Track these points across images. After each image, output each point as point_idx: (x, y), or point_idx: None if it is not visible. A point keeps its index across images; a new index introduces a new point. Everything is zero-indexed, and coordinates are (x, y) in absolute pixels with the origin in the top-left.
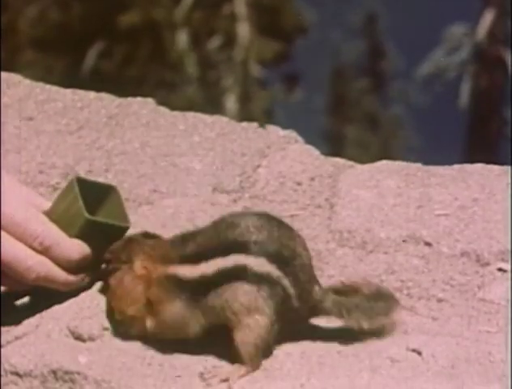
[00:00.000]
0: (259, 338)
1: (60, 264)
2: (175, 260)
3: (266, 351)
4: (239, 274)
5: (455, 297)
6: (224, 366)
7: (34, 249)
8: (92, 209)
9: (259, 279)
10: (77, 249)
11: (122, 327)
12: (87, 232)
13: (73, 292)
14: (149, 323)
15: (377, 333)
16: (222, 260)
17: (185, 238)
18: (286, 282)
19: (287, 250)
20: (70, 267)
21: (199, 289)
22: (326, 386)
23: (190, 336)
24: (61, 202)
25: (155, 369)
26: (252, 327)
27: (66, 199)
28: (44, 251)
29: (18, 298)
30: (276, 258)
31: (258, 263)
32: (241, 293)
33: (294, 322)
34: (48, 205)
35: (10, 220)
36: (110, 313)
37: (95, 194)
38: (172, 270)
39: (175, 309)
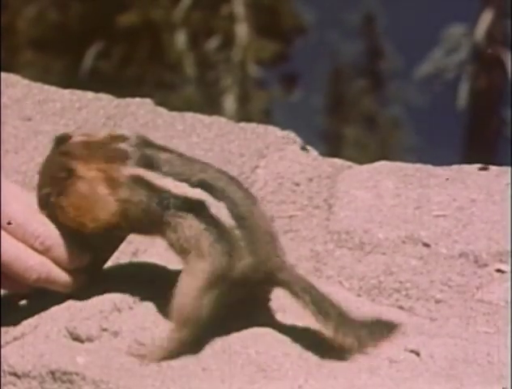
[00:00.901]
0: (196, 294)
1: (60, 265)
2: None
3: (197, 323)
4: (196, 208)
5: (453, 298)
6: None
7: (35, 249)
8: None
9: (212, 221)
10: (77, 249)
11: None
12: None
13: (72, 294)
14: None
15: (344, 350)
16: (188, 188)
17: (158, 148)
18: (238, 233)
19: (245, 208)
20: (71, 268)
21: (163, 202)
22: (324, 387)
23: (155, 234)
24: None
25: (153, 370)
26: (193, 276)
27: None
28: (45, 251)
29: (17, 300)
30: (234, 210)
31: (216, 205)
32: (187, 227)
33: (248, 286)
34: None
35: (12, 221)
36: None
37: None
38: (138, 172)
39: (142, 205)
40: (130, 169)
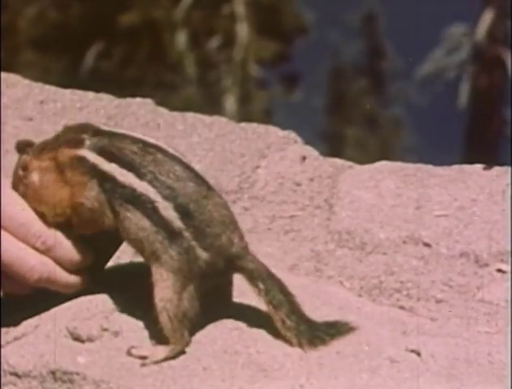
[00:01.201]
0: (168, 302)
1: (62, 265)
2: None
3: (185, 320)
4: (143, 204)
5: (454, 298)
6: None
7: (36, 249)
8: None
9: (162, 223)
10: (79, 250)
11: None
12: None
13: (73, 294)
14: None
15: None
16: (135, 179)
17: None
18: (187, 234)
19: (195, 205)
20: (73, 268)
21: (108, 184)
22: (325, 387)
23: (106, 227)
24: None
25: (153, 370)
26: (162, 285)
27: None
28: (47, 251)
29: (17, 300)
30: (182, 210)
31: (164, 206)
32: (139, 228)
33: (212, 276)
34: None
35: (13, 221)
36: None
37: None
38: (83, 153)
39: (91, 191)
40: (76, 151)
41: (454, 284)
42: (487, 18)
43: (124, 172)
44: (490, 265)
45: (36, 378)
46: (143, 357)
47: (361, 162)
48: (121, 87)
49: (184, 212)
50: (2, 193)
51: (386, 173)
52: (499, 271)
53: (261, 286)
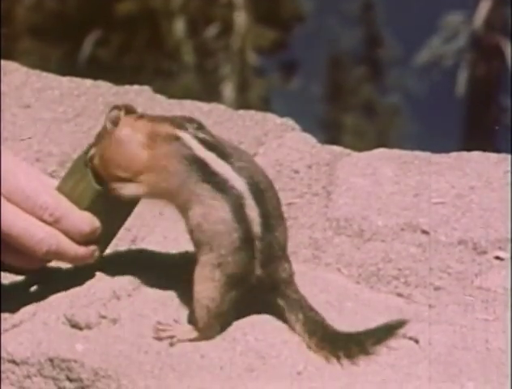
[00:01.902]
0: (210, 300)
1: (70, 236)
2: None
3: (220, 318)
4: (233, 197)
5: (452, 285)
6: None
7: (44, 221)
8: (100, 184)
9: (244, 221)
10: (87, 221)
11: (121, 187)
12: (97, 205)
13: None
14: (147, 180)
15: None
16: (231, 172)
17: (200, 126)
18: (258, 244)
19: (274, 219)
20: (81, 240)
21: (198, 172)
22: (322, 374)
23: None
24: (70, 178)
25: (152, 357)
26: (211, 279)
27: (75, 175)
28: (55, 223)
29: (19, 286)
30: (264, 220)
31: (252, 207)
32: (220, 219)
33: (255, 292)
34: (54, 183)
35: (21, 193)
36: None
37: None
38: (183, 135)
39: (177, 166)
40: (177, 130)
41: (452, 271)
42: (485, 5)
43: (220, 162)
44: (488, 252)
45: (34, 366)
46: (171, 337)
47: (359, 150)
48: (119, 74)
49: (265, 222)
50: (8, 167)
51: (384, 160)
52: (497, 258)
53: (300, 316)
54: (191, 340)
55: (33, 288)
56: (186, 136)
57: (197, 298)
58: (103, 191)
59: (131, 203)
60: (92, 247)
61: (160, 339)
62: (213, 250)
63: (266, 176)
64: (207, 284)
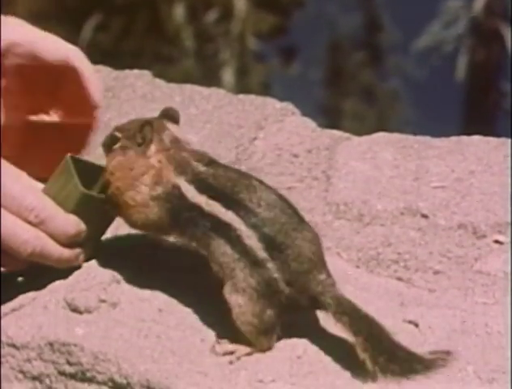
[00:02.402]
0: (253, 317)
1: (55, 238)
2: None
3: (269, 330)
4: (227, 232)
5: (452, 269)
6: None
7: (29, 222)
8: (86, 187)
9: (244, 251)
10: (72, 223)
11: (131, 212)
12: (82, 208)
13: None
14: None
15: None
16: (220, 208)
17: (209, 161)
18: (271, 265)
19: (283, 237)
20: (66, 242)
21: (188, 213)
22: (322, 359)
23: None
24: (56, 180)
25: (152, 341)
26: (239, 304)
27: (61, 177)
28: (40, 224)
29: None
30: (268, 241)
31: (247, 235)
32: (221, 253)
33: (293, 310)
34: (40, 186)
35: (5, 194)
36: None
37: (88, 174)
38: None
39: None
40: (176, 178)
41: (451, 255)
42: None
43: (211, 202)
44: (488, 236)
45: (34, 350)
46: (230, 353)
47: (359, 135)
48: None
49: (270, 243)
50: None
51: (384, 144)
52: (496, 242)
53: (345, 319)
54: (249, 354)
55: (32, 274)
56: (184, 184)
57: (237, 316)
58: (88, 194)
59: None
60: (78, 250)
61: (218, 354)
62: (228, 281)
63: (272, 190)
64: (240, 313)
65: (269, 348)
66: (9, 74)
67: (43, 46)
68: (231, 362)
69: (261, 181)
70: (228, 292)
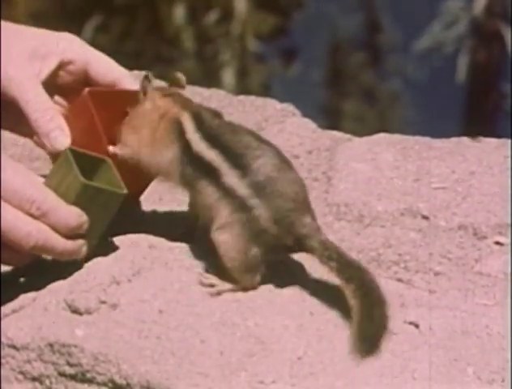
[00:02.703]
0: (237, 253)
1: (58, 231)
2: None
3: (252, 268)
4: (209, 172)
5: (452, 271)
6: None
7: (31, 215)
8: (87, 178)
9: (226, 190)
10: (74, 215)
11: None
12: (83, 199)
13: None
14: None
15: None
16: (207, 148)
17: (215, 115)
18: (254, 202)
19: (267, 177)
20: (68, 234)
21: (184, 152)
22: (323, 360)
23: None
24: (56, 173)
25: (152, 342)
26: (226, 242)
27: (61, 170)
28: (42, 217)
29: (16, 277)
30: (251, 179)
31: (230, 173)
32: (207, 195)
33: (280, 251)
34: (41, 179)
35: (8, 187)
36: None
37: (88, 165)
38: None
39: (171, 152)
40: (182, 112)
41: (452, 256)
42: None
43: (200, 142)
44: (488, 237)
45: (34, 351)
46: (212, 285)
47: (359, 136)
48: (120, 60)
49: (252, 181)
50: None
51: (384, 145)
52: (497, 243)
53: (332, 264)
54: (232, 291)
55: (33, 275)
56: (188, 121)
57: (223, 253)
58: (89, 185)
59: (117, 197)
60: (80, 242)
61: (203, 285)
62: (213, 221)
63: (262, 139)
64: (225, 250)
65: (253, 287)
66: (67, 91)
67: (96, 67)
68: (212, 294)
69: (253, 133)
70: (213, 230)
